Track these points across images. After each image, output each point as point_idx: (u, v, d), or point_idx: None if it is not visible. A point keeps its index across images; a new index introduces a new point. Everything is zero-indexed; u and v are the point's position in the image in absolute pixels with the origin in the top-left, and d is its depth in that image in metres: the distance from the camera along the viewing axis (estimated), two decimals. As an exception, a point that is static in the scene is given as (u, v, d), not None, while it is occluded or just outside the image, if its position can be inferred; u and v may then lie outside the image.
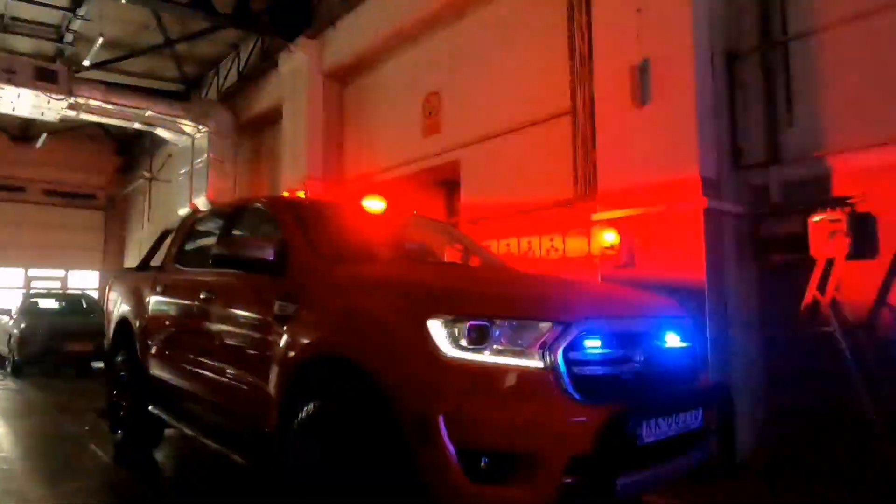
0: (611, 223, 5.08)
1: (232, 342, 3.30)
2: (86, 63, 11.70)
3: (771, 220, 4.78)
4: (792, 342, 4.56)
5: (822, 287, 4.37)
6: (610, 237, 5.01)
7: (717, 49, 5.01)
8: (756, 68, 5.02)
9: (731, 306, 4.70)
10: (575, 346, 2.17)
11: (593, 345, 2.23)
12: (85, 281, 19.24)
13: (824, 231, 4.35)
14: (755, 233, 4.88)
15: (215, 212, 4.62)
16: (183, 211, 12.98)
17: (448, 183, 9.67)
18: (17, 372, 10.73)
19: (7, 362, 11.19)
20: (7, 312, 11.99)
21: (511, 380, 2.11)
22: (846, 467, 4.12)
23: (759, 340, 4.85)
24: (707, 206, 4.51)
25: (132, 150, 19.35)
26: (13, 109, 11.55)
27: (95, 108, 11.81)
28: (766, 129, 4.92)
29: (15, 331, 10.79)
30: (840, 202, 4.37)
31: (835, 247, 4.30)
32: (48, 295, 13.61)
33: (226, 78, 13.36)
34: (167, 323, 4.18)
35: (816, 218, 4.38)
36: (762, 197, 4.91)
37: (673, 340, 2.61)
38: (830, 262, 4.34)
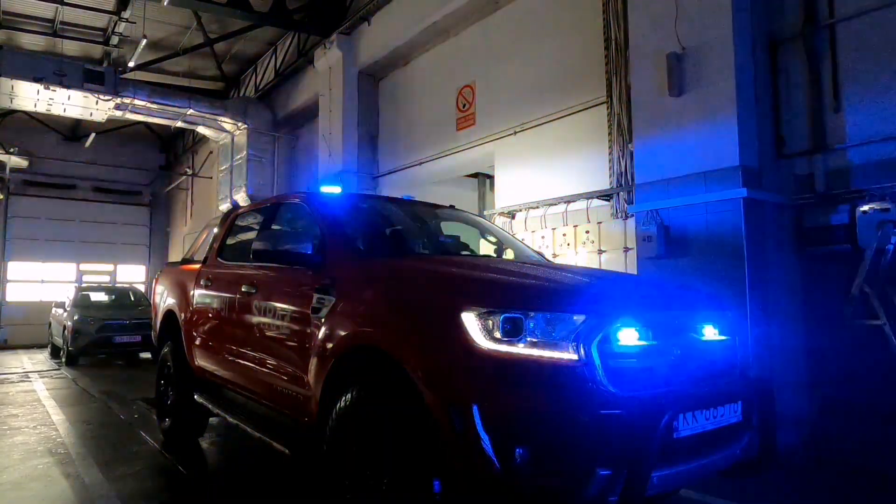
0: (648, 214, 5.01)
1: (272, 334, 3.39)
2: (130, 64, 12.11)
3: (815, 210, 4.63)
4: (837, 336, 4.42)
5: (870, 279, 4.22)
6: (647, 229, 4.94)
7: (759, 34, 4.86)
8: (800, 53, 4.85)
9: (773, 299, 4.58)
10: (609, 338, 2.16)
11: (628, 337, 2.22)
12: (132, 275, 19.96)
13: (873, 221, 4.20)
14: (799, 223, 4.74)
15: (255, 207, 4.74)
16: (224, 206, 13.33)
17: (482, 175, 9.68)
18: (72, 362, 11.24)
19: (62, 352, 11.72)
20: (61, 305, 12.55)
21: (545, 372, 2.11)
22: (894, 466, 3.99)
23: (802, 334, 4.72)
24: (747, 197, 4.40)
25: (175, 147, 19.95)
26: (64, 110, 12.06)
27: (140, 108, 12.24)
28: (810, 116, 4.76)
29: (69, 322, 11.29)
30: (889, 191, 4.21)
31: (883, 237, 4.15)
32: (98, 289, 14.16)
33: (263, 75, 13.62)
34: (210, 315, 4.31)
35: (864, 207, 4.23)
36: (806, 186, 4.77)
37: (711, 334, 2.58)
38: (879, 253, 4.19)
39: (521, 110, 7.27)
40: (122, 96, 11.65)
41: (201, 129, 13.88)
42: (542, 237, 6.53)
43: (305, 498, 3.68)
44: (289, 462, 4.16)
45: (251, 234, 4.23)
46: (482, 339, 2.16)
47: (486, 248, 4.46)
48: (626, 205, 5.65)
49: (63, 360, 11.56)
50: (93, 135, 16.16)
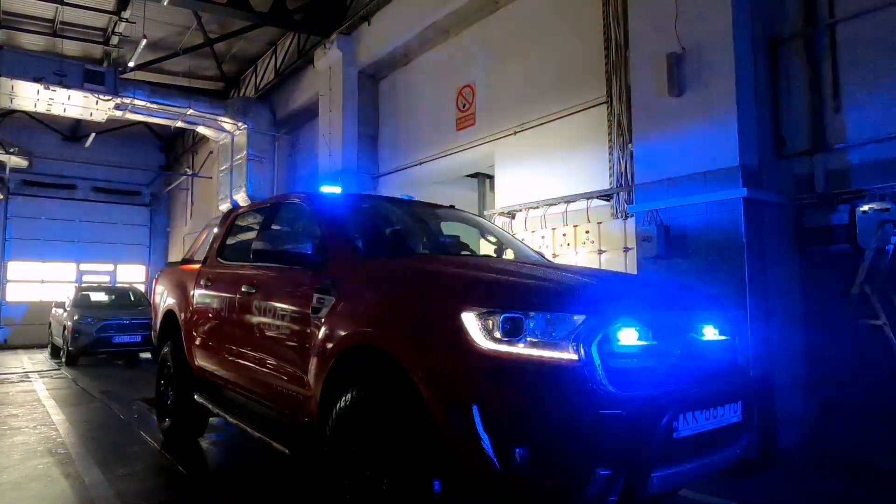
0: (647, 214, 5.01)
1: (272, 334, 3.39)
2: (130, 64, 12.11)
3: (815, 211, 4.63)
4: (838, 336, 4.42)
5: (870, 279, 4.22)
6: (647, 229, 4.94)
7: (759, 34, 4.86)
8: (800, 53, 4.86)
9: (774, 299, 4.58)
10: (609, 338, 2.16)
11: (628, 337, 2.22)
12: (132, 275, 19.95)
13: (873, 221, 4.20)
14: (799, 223, 4.74)
15: (255, 207, 4.74)
16: (224, 206, 13.34)
17: (482, 175, 9.68)
18: (72, 362, 11.23)
19: (62, 353, 11.72)
20: (61, 305, 12.55)
21: (545, 372, 2.11)
22: (896, 465, 3.99)
23: (802, 334, 4.72)
24: (747, 197, 4.40)
25: (175, 147, 19.95)
26: (64, 110, 12.07)
27: (140, 108, 12.25)
28: (810, 116, 4.77)
29: (69, 323, 11.28)
30: (889, 191, 4.21)
31: (884, 237, 4.15)
32: (98, 289, 14.15)
33: (263, 75, 13.62)
34: (210, 315, 4.31)
35: (864, 207, 4.23)
36: (806, 186, 4.77)
37: (711, 333, 2.58)
38: (879, 253, 4.19)
39: (521, 110, 7.27)
40: (122, 96, 11.66)
41: (201, 129, 13.88)
42: (542, 237, 6.52)
43: (305, 498, 3.68)
44: (289, 462, 4.17)
45: (251, 234, 4.23)
46: (482, 339, 2.16)
47: (486, 248, 4.46)
48: (626, 205, 5.65)
49: (63, 360, 11.55)
50: (93, 135, 16.16)
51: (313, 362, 2.87)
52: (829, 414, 4.39)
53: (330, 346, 2.76)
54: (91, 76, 11.07)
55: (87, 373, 10.10)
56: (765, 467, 2.55)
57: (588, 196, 6.10)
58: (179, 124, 13.44)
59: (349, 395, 2.58)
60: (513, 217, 7.05)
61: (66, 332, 11.37)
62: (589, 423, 2.04)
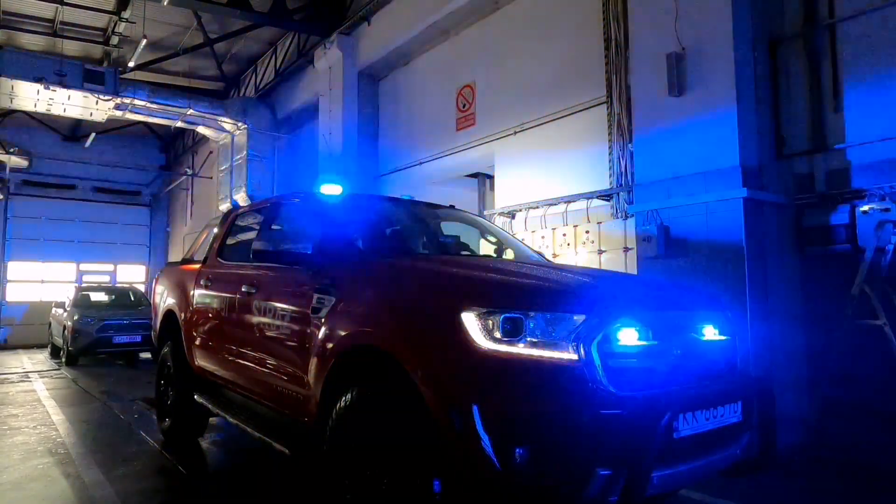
0: (647, 214, 5.01)
1: (272, 334, 3.39)
2: (130, 64, 12.11)
3: (815, 210, 4.63)
4: (838, 336, 4.42)
5: (870, 279, 4.22)
6: (647, 229, 4.94)
7: (759, 34, 4.86)
8: (800, 53, 4.86)
9: (773, 299, 4.58)
10: (609, 338, 2.16)
11: (628, 337, 2.22)
12: (132, 275, 19.95)
13: (873, 221, 4.20)
14: (799, 223, 4.74)
15: (255, 207, 4.74)
16: (224, 206, 13.33)
17: (482, 175, 9.68)
18: (72, 362, 11.23)
19: (62, 353, 11.72)
20: (61, 305, 12.55)
21: (545, 372, 2.11)
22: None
23: (802, 334, 4.72)
24: (747, 196, 4.40)
25: (175, 147, 19.95)
26: (64, 110, 12.06)
27: (140, 108, 12.24)
28: (810, 116, 4.77)
29: (69, 322, 11.28)
30: (889, 191, 4.21)
31: (884, 237, 4.15)
32: (98, 289, 14.15)
33: (263, 75, 13.62)
34: (210, 315, 4.31)
35: (864, 207, 4.23)
36: (806, 186, 4.77)
37: (711, 334, 2.58)
38: (879, 253, 4.19)
39: (521, 110, 7.27)
40: (122, 96, 11.65)
41: (201, 129, 13.87)
42: (542, 237, 6.52)
43: (305, 498, 3.68)
44: (289, 462, 4.16)
45: (251, 234, 4.22)
46: (482, 339, 2.16)
47: (486, 248, 4.46)
48: (626, 205, 5.65)
49: (63, 360, 11.55)
50: (93, 135, 16.15)
51: (313, 362, 2.87)
52: (829, 414, 4.39)
53: (330, 345, 2.76)
54: (91, 76, 11.06)
55: (87, 373, 10.10)
56: (765, 467, 2.55)
57: (588, 196, 6.10)
58: (179, 124, 13.44)
59: (349, 395, 2.58)
60: (513, 217, 7.05)
61: (66, 332, 11.37)
62: (589, 423, 2.04)
